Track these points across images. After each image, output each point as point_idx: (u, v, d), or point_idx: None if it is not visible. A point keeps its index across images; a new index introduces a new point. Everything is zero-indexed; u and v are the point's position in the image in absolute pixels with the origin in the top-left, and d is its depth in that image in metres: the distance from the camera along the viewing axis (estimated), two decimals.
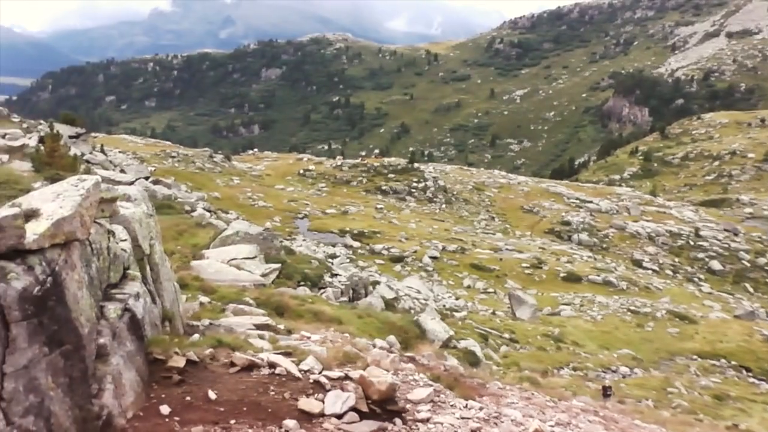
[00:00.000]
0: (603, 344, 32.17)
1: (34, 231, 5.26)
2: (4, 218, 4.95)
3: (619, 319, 38.73)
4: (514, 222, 73.45)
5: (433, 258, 50.03)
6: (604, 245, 65.16)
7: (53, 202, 5.77)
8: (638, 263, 60.87)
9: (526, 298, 38.60)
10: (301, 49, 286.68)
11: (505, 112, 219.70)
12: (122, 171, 36.19)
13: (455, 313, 31.86)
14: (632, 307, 41.44)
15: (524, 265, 51.14)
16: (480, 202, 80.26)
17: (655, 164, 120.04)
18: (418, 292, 33.39)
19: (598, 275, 50.37)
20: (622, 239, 66.61)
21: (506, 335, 29.94)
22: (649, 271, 58.77)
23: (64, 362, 5.41)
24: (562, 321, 36.53)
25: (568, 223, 70.07)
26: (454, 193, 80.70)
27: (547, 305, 41.00)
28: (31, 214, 5.45)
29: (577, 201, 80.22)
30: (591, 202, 79.37)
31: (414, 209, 71.75)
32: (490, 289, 45.27)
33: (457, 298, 39.49)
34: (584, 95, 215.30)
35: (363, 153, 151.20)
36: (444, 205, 75.44)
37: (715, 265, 62.22)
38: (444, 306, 33.93)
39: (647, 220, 71.87)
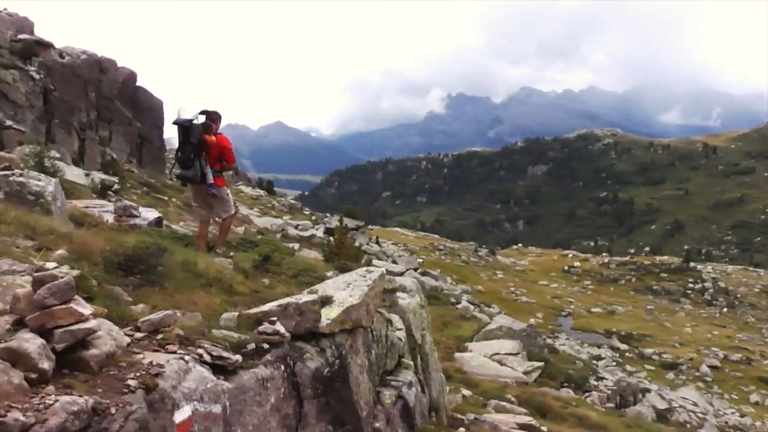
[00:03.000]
0: None
1: (327, 316, 5.84)
2: (305, 303, 5.58)
3: None
4: None
5: (713, 367, 45.24)
6: None
7: (344, 291, 6.39)
8: None
9: None
10: (567, 145, 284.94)
11: None
12: (394, 262, 38.57)
13: None
14: None
15: None
16: None
17: None
18: (695, 404, 30.45)
19: None
20: None
21: None
22: None
23: None
24: None
25: None
26: (738, 296, 73.17)
27: None
28: (325, 301, 6.09)
29: None
30: None
31: (689, 312, 66.10)
32: None
33: (742, 415, 34.95)
34: None
35: (632, 250, 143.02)
36: (725, 309, 68.55)
37: None
38: (726, 423, 30.28)
39: None
